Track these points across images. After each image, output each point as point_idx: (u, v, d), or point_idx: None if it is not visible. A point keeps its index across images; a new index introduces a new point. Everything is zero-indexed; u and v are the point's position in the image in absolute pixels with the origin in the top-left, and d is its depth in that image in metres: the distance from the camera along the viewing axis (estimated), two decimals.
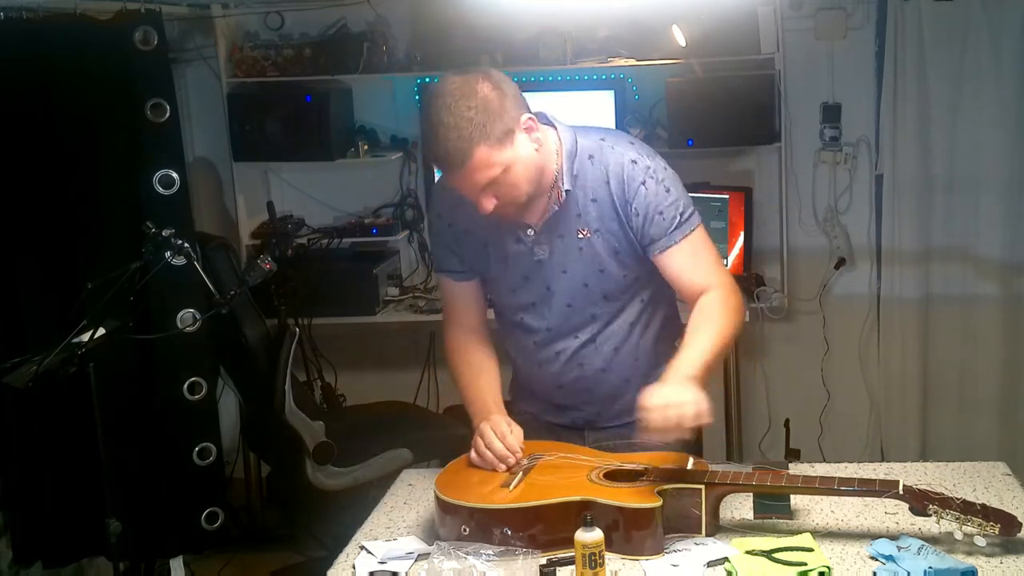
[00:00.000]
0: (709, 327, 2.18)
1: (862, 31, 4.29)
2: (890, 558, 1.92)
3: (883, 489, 1.99)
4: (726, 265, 4.15)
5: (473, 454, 2.25)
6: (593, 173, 2.23)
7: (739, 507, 2.18)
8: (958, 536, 1.92)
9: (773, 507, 2.13)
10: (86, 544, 3.40)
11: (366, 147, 4.51)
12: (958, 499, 1.94)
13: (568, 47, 4.27)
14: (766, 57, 4.15)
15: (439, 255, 2.44)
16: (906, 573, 1.86)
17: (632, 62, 4.25)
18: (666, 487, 2.04)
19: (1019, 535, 1.91)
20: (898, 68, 4.16)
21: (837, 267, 4.46)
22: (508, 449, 2.21)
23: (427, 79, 4.41)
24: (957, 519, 1.91)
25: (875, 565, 1.93)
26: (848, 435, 4.54)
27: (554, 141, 2.24)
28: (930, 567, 1.84)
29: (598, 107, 4.30)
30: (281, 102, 4.38)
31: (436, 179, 2.47)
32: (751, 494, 2.14)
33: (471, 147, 2.07)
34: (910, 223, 4.27)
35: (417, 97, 4.46)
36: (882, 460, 4.34)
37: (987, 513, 1.91)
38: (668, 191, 2.22)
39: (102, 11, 3.26)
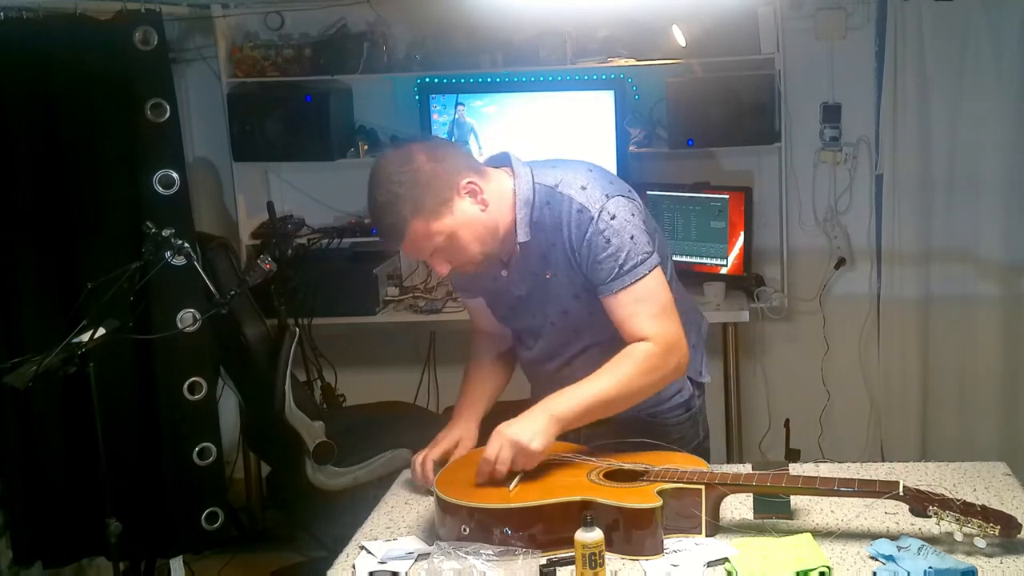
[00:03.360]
0: (609, 377, 2.15)
1: (862, 31, 4.29)
2: (890, 558, 1.92)
3: (883, 490, 1.99)
4: (726, 263, 4.21)
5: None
6: (551, 218, 2.20)
7: (739, 507, 2.18)
8: (958, 537, 1.92)
9: (773, 507, 2.13)
10: (86, 544, 3.40)
11: (366, 147, 4.50)
12: (958, 500, 1.94)
13: (568, 47, 4.27)
14: (766, 57, 4.15)
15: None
16: (906, 573, 1.86)
17: (632, 62, 4.25)
18: (666, 487, 2.04)
19: (1019, 536, 1.91)
20: (898, 68, 4.16)
21: (837, 267, 4.46)
22: (415, 478, 2.33)
23: (427, 79, 4.42)
24: (957, 520, 1.91)
25: (875, 565, 1.92)
26: (848, 435, 4.54)
27: (509, 191, 2.21)
28: (930, 567, 1.84)
29: (598, 107, 4.30)
30: (281, 102, 4.38)
31: None
32: (751, 494, 2.14)
33: (404, 222, 2.10)
34: (910, 223, 4.27)
35: (417, 97, 4.46)
36: (882, 460, 4.34)
37: (987, 514, 1.91)
38: (608, 242, 2.15)
39: (102, 11, 3.26)
